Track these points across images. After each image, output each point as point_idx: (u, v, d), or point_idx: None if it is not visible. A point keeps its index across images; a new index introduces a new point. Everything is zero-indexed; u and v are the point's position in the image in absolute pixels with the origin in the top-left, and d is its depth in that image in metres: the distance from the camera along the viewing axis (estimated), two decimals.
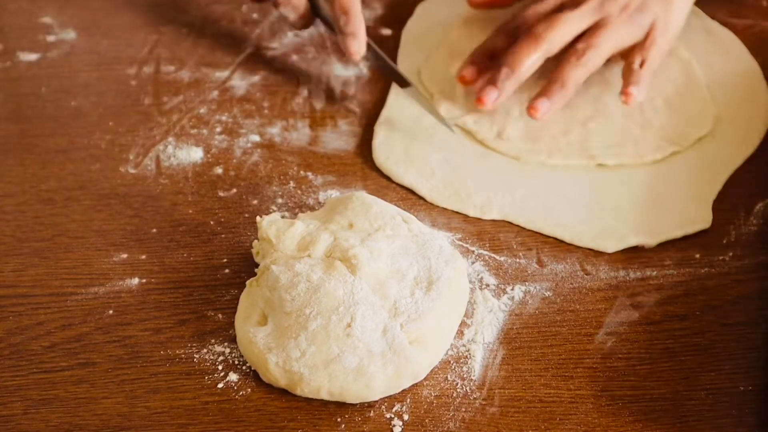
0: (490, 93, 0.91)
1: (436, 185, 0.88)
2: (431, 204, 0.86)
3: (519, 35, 0.93)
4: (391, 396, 0.71)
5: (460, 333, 0.76)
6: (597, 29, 0.92)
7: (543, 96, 0.90)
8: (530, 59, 0.91)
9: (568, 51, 0.92)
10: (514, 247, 0.83)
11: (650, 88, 0.93)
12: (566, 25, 0.92)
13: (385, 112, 0.94)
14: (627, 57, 0.94)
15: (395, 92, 0.96)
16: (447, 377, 0.73)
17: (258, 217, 0.77)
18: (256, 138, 0.92)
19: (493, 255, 0.82)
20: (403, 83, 0.94)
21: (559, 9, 0.94)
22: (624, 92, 0.90)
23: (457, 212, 0.86)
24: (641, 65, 0.92)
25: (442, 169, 0.89)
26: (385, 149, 0.91)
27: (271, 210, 0.85)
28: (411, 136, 0.92)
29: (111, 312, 0.77)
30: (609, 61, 0.94)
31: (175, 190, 0.87)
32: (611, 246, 0.83)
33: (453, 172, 0.89)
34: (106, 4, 1.07)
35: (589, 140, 0.91)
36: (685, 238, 0.84)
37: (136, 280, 0.79)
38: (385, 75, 0.97)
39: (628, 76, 0.92)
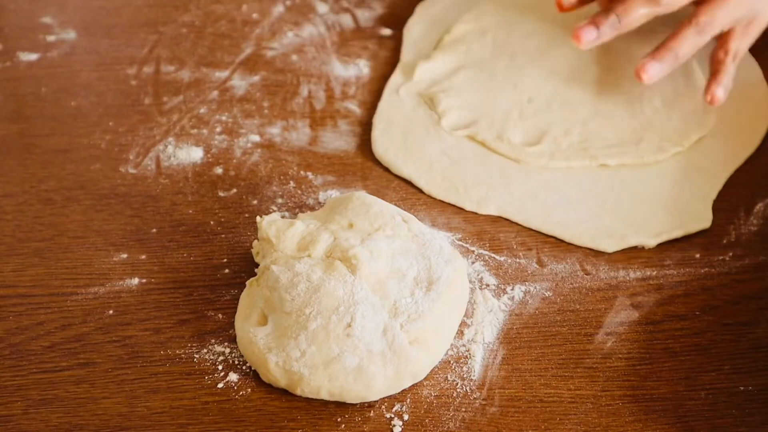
0: (588, 32, 0.90)
1: (434, 177, 0.88)
2: (431, 204, 0.86)
3: None
4: (391, 396, 0.71)
5: (460, 333, 0.76)
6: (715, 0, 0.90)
7: (654, 60, 0.89)
8: (640, 15, 0.89)
9: (686, 21, 0.90)
10: (514, 247, 0.83)
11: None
12: None
13: (383, 104, 0.94)
14: (723, 42, 0.92)
15: (391, 86, 0.96)
16: (447, 377, 0.73)
17: (258, 217, 0.77)
18: (256, 138, 0.92)
19: (493, 255, 0.82)
20: None
21: None
22: (711, 92, 0.90)
23: (456, 211, 0.86)
24: (734, 58, 0.91)
25: (440, 162, 0.89)
26: (384, 141, 0.91)
27: (271, 210, 0.85)
28: (410, 128, 0.92)
29: (111, 312, 0.77)
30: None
31: (175, 190, 0.87)
32: (611, 246, 0.83)
33: (452, 165, 0.89)
34: (106, 4, 1.07)
35: (590, 141, 0.91)
36: (685, 238, 0.84)
37: (136, 280, 0.79)
38: None
39: (719, 70, 0.91)
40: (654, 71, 0.89)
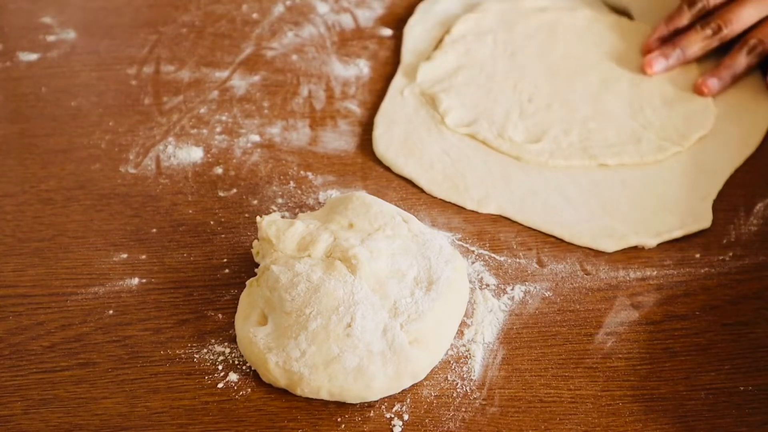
0: (659, 63, 0.97)
1: (434, 176, 0.88)
2: (431, 204, 0.86)
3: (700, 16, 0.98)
4: (391, 396, 0.71)
5: (460, 333, 0.76)
6: None
7: (714, 76, 0.95)
8: (699, 47, 0.97)
9: (741, 42, 0.96)
10: (514, 247, 0.83)
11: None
12: (747, 13, 0.96)
13: (386, 104, 0.94)
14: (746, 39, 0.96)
15: (395, 87, 0.96)
16: (447, 377, 0.73)
17: (258, 217, 0.77)
18: (256, 138, 0.92)
19: (493, 255, 0.82)
20: None
21: None
22: (703, 82, 0.95)
23: (456, 211, 0.86)
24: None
25: (441, 161, 0.89)
26: (385, 140, 0.91)
27: (271, 210, 0.85)
28: (411, 127, 0.92)
29: (111, 312, 0.77)
30: None
31: (175, 190, 0.87)
32: (611, 246, 0.83)
33: (452, 164, 0.89)
34: (106, 4, 1.07)
35: (590, 140, 0.91)
36: (685, 238, 0.84)
37: (136, 280, 0.79)
38: None
39: (728, 65, 0.95)
40: (714, 86, 0.95)
